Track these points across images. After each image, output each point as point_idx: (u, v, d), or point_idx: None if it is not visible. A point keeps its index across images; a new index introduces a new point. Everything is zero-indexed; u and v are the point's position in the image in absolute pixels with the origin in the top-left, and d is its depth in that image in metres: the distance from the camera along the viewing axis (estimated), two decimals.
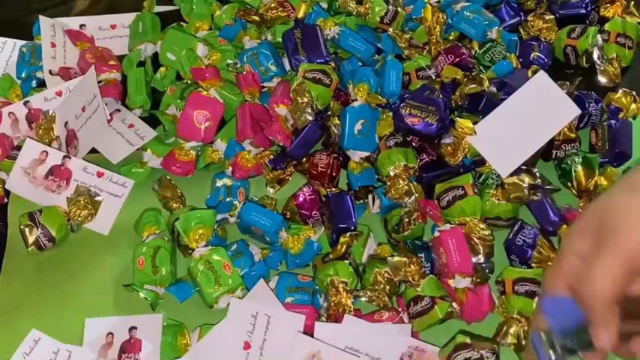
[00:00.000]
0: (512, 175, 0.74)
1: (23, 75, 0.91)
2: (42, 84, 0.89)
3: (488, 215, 0.75)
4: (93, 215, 0.78)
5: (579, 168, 0.77)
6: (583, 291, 0.51)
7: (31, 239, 0.75)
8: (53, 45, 0.91)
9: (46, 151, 0.79)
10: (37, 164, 0.79)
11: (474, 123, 0.75)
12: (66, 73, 0.89)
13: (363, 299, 0.70)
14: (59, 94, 0.85)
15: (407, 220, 0.73)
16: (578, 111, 0.70)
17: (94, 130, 0.82)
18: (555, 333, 0.52)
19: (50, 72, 0.89)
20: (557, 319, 0.52)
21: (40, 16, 0.92)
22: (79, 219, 0.77)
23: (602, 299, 0.50)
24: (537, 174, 0.75)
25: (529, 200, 0.74)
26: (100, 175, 0.79)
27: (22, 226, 0.75)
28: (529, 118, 0.75)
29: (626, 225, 0.51)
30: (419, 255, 0.71)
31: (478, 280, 0.70)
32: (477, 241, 0.70)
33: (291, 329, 0.67)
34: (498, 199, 0.74)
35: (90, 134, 0.82)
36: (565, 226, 0.73)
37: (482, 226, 0.71)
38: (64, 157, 0.79)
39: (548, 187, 0.75)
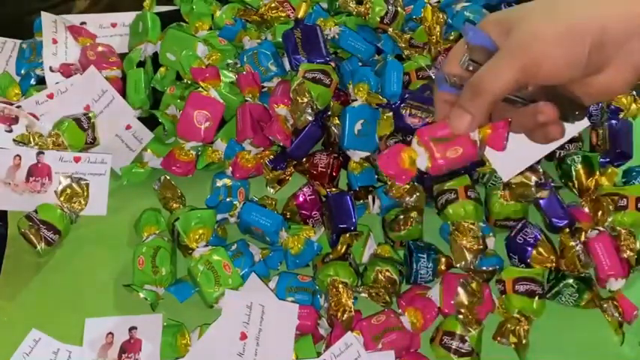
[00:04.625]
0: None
1: (22, 72, 0.90)
2: (41, 81, 0.89)
3: (497, 217, 0.75)
4: (85, 200, 0.78)
5: (579, 167, 0.77)
6: (475, 82, 0.54)
7: (37, 239, 0.75)
8: (55, 41, 0.90)
9: (18, 155, 0.78)
10: (14, 171, 0.78)
11: None
12: (67, 70, 0.89)
13: (363, 295, 0.70)
14: (50, 96, 0.84)
15: (402, 217, 0.73)
16: (587, 122, 0.71)
17: (114, 119, 0.83)
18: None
19: (51, 68, 0.89)
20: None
21: (42, 12, 0.92)
22: (74, 207, 0.77)
23: (489, 97, 0.53)
24: (541, 171, 0.75)
25: (536, 198, 0.74)
26: (77, 159, 0.79)
27: (23, 230, 0.75)
28: None
29: (531, 33, 0.52)
30: (420, 255, 0.71)
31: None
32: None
33: (285, 318, 0.67)
34: (507, 200, 0.74)
35: (109, 124, 0.82)
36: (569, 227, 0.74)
37: (474, 227, 0.72)
38: (38, 153, 0.78)
39: (553, 183, 0.75)
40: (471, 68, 0.55)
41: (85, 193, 0.78)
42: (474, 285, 0.68)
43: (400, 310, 0.69)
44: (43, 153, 0.79)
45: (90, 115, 0.82)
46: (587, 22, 0.51)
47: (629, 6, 0.52)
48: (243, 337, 0.67)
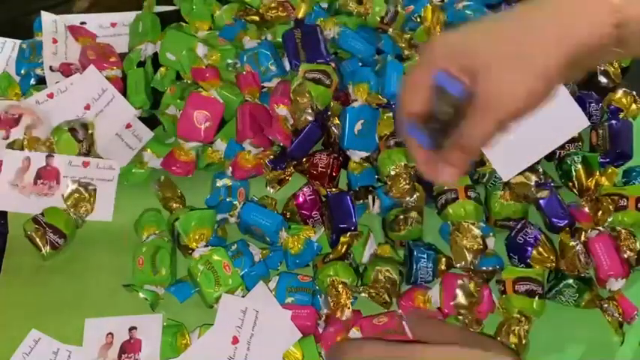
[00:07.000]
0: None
1: (22, 72, 0.90)
2: (41, 81, 0.89)
3: (498, 217, 0.75)
4: (92, 205, 0.78)
5: (579, 167, 0.77)
6: (465, 142, 0.58)
7: (42, 242, 0.74)
8: (55, 41, 0.90)
9: (28, 157, 0.78)
10: (22, 173, 0.78)
11: None
12: (67, 69, 0.89)
13: (363, 294, 0.70)
14: (50, 96, 0.84)
15: (403, 217, 0.73)
16: (587, 122, 0.71)
17: (114, 118, 0.83)
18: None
19: (51, 68, 0.89)
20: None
21: (42, 11, 0.92)
22: (81, 212, 0.77)
23: (476, 153, 0.60)
24: (541, 171, 0.75)
25: (536, 198, 0.74)
26: (86, 164, 0.79)
27: (29, 232, 0.74)
28: (538, 125, 0.74)
29: (504, 89, 0.55)
30: (420, 256, 0.71)
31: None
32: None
33: (278, 324, 0.67)
34: (507, 200, 0.74)
35: (108, 124, 0.82)
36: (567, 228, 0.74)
37: (474, 227, 0.72)
38: (47, 156, 0.79)
39: (553, 183, 0.75)
40: (446, 118, 0.58)
41: (92, 199, 0.78)
42: (472, 286, 0.68)
43: (400, 311, 0.69)
44: (52, 156, 0.79)
45: (88, 125, 0.82)
46: (555, 61, 0.54)
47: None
48: (235, 341, 0.67)
